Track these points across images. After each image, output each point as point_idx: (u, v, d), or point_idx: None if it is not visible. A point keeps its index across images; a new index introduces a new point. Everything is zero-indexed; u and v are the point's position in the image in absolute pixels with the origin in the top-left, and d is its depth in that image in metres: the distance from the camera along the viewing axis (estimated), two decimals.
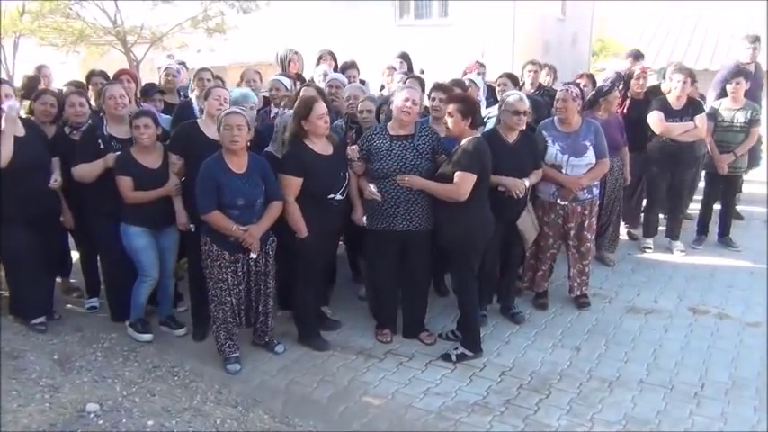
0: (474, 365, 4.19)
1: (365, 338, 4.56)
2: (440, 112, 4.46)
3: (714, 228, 6.46)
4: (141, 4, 14.74)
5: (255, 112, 4.58)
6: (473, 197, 4.02)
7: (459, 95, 4.28)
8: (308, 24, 14.47)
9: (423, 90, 5.29)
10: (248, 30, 15.25)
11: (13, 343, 4.09)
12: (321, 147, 4.17)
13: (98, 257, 5.12)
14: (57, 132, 4.77)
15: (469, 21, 14.14)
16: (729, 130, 6.00)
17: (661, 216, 6.35)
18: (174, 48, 14.94)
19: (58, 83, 6.59)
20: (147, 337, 4.53)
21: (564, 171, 4.72)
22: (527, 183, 4.44)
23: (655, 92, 6.13)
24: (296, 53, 6.77)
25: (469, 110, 4.04)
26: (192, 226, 4.28)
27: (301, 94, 4.56)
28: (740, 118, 5.96)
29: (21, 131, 4.34)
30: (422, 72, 7.29)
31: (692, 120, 5.70)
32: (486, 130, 4.65)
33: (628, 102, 5.98)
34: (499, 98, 4.90)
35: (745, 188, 7.53)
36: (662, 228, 6.36)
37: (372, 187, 4.24)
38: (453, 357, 4.24)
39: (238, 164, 3.92)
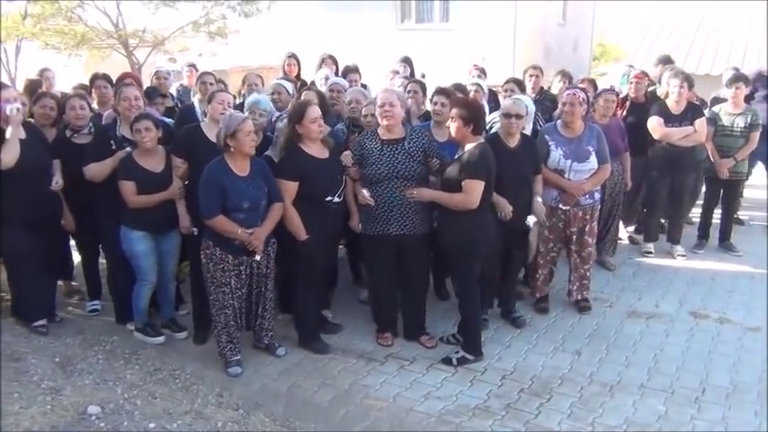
0: (475, 369, 4.19)
1: (366, 342, 4.57)
2: (441, 117, 4.47)
3: (715, 232, 6.46)
4: (143, 7, 14.78)
5: (266, 120, 4.56)
6: None
7: (463, 101, 4.27)
8: (309, 28, 14.53)
9: (424, 94, 5.32)
10: (250, 34, 15.30)
11: (14, 345, 4.09)
12: (317, 150, 4.19)
13: (99, 260, 5.14)
14: (58, 135, 4.78)
15: (470, 25, 14.19)
16: (730, 134, 6.02)
17: (662, 221, 6.36)
18: (176, 51, 14.98)
19: (60, 86, 6.61)
20: (160, 339, 4.56)
21: (567, 176, 4.72)
22: (531, 221, 4.47)
23: (657, 97, 6.13)
24: (293, 56, 6.82)
25: (472, 116, 4.02)
26: (194, 229, 4.29)
27: (302, 97, 4.58)
28: (740, 123, 5.98)
29: (22, 134, 4.36)
30: (423, 76, 7.33)
31: (691, 124, 5.71)
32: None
33: (627, 106, 5.99)
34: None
35: (747, 193, 7.54)
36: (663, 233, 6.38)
37: (365, 192, 4.25)
38: (454, 361, 4.24)
39: (242, 167, 3.93)
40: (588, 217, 4.84)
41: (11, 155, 4.19)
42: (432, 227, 4.37)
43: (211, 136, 4.20)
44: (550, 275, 5.10)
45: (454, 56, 12.49)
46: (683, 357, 4.35)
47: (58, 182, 4.53)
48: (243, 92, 5.89)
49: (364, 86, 6.18)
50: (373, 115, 4.69)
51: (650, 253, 6.22)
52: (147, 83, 6.90)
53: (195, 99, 5.43)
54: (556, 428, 3.60)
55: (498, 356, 4.36)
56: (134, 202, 4.24)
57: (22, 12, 14.18)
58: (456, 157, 4.13)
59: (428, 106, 4.91)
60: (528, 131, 4.70)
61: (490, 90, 5.98)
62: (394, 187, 4.20)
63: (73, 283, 5.46)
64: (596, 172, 4.76)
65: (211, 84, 5.35)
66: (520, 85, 5.72)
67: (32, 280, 4.52)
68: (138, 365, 4.16)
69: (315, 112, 4.12)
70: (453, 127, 4.06)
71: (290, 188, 4.10)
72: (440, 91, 4.69)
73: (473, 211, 4.02)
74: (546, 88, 6.42)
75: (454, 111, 4.06)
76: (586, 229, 4.86)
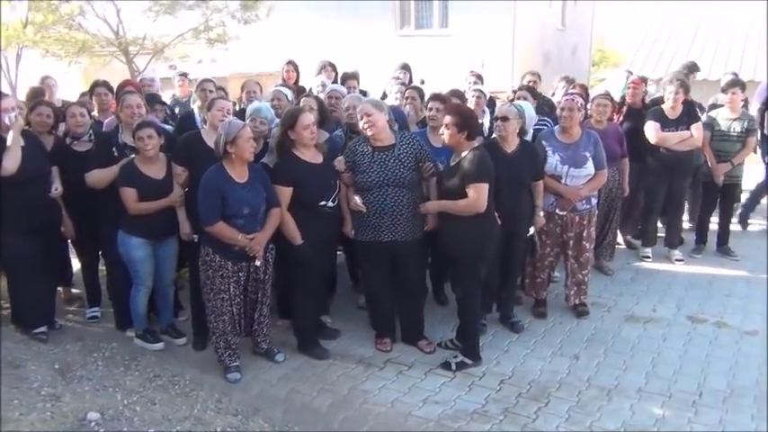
0: (473, 374, 4.21)
1: (365, 347, 4.59)
2: (436, 122, 4.50)
3: (713, 237, 6.48)
4: (143, 15, 14.82)
5: (266, 128, 4.57)
6: None
7: (455, 107, 4.28)
8: (309, 35, 14.58)
9: (422, 100, 5.35)
10: (249, 40, 15.32)
11: (14, 352, 4.12)
12: (310, 156, 4.22)
13: (98, 267, 5.16)
14: (57, 142, 4.81)
15: (469, 31, 14.24)
16: (726, 139, 6.05)
17: (660, 225, 6.38)
18: (176, 58, 15.01)
19: (61, 94, 6.63)
20: (160, 345, 4.58)
21: (563, 181, 4.75)
22: (531, 230, 4.62)
23: (658, 102, 6.13)
24: (291, 63, 6.87)
25: (465, 122, 4.03)
26: (194, 236, 4.31)
27: (301, 103, 4.61)
28: (737, 127, 6.01)
29: (21, 142, 4.39)
30: (422, 82, 7.36)
31: (687, 129, 5.74)
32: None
33: (624, 111, 6.02)
34: None
35: (744, 198, 7.55)
36: (661, 235, 6.39)
37: (357, 199, 4.27)
38: (453, 366, 4.26)
39: (240, 173, 3.96)
40: (585, 222, 4.86)
41: (13, 161, 4.23)
42: (425, 233, 4.39)
43: (211, 143, 4.21)
44: (548, 280, 5.12)
45: (454, 61, 12.53)
46: (681, 361, 4.36)
47: (57, 188, 4.56)
48: (242, 99, 5.92)
49: (364, 93, 6.21)
50: None
51: (648, 258, 6.24)
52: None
53: (195, 106, 5.45)
54: None
55: (497, 361, 4.38)
56: (135, 208, 4.25)
57: (23, 20, 14.22)
58: (452, 164, 4.15)
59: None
60: (528, 137, 4.72)
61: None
62: (385, 194, 4.22)
63: (73, 290, 5.49)
64: (593, 178, 4.78)
65: (211, 91, 5.35)
66: (533, 92, 5.67)
67: (32, 287, 4.54)
68: (137, 372, 4.18)
69: (307, 118, 4.15)
70: (447, 134, 4.07)
71: (285, 193, 4.14)
72: (435, 97, 4.73)
73: (480, 215, 4.03)
74: (552, 94, 6.46)
75: (447, 118, 4.07)
76: (584, 234, 4.88)
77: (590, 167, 4.74)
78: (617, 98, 6.02)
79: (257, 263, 4.01)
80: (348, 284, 5.48)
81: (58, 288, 5.22)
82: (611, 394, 3.98)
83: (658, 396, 3.95)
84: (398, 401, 3.93)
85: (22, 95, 6.57)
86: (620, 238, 6.44)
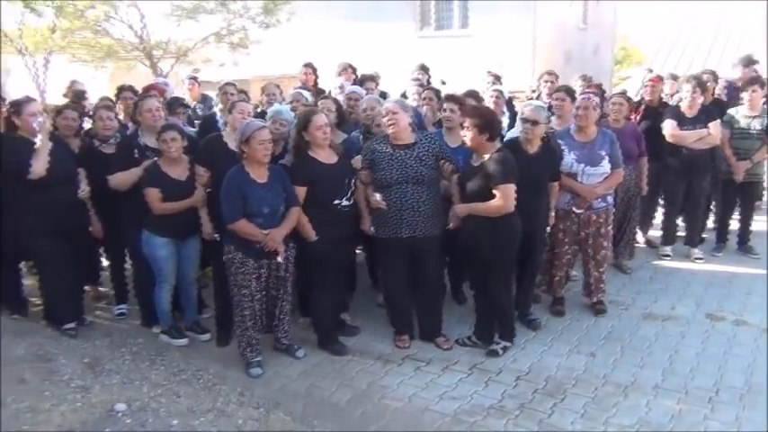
0: (490, 370, 4.26)
1: (384, 344, 4.66)
2: (452, 123, 4.56)
3: (734, 235, 6.44)
4: (167, 20, 15.07)
5: (287, 130, 4.65)
6: None
7: (475, 109, 4.33)
8: (330, 38, 14.69)
9: (439, 101, 5.41)
10: (270, 44, 15.50)
11: (46, 347, 4.25)
12: (325, 156, 4.31)
13: (124, 266, 5.30)
14: (85, 144, 4.96)
15: (489, 32, 14.24)
16: (747, 137, 6.00)
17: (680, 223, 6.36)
18: (199, 62, 15.24)
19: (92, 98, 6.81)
20: (184, 341, 4.70)
21: (579, 179, 4.78)
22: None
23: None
24: (309, 66, 6.99)
25: (486, 123, 4.08)
26: (216, 235, 4.43)
27: (319, 105, 4.71)
28: (757, 125, 5.97)
29: (48, 145, 4.53)
30: (443, 83, 7.42)
31: (705, 127, 5.72)
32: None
33: (642, 110, 6.02)
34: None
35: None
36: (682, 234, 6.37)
37: (378, 196, 4.35)
38: (500, 352, 4.38)
39: (260, 174, 4.07)
40: (602, 220, 4.89)
41: (42, 164, 4.37)
42: (444, 230, 4.45)
43: (232, 145, 4.33)
44: (566, 278, 5.15)
45: (474, 62, 12.54)
46: (698, 359, 4.36)
47: (84, 190, 4.69)
48: (263, 101, 6.04)
49: (384, 94, 6.29)
50: None
51: (668, 256, 6.22)
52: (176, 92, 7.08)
53: (217, 109, 5.58)
54: (569, 428, 3.65)
55: (513, 358, 4.42)
56: (159, 208, 4.38)
57: (50, 26, 14.55)
58: (474, 164, 4.20)
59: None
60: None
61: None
62: (405, 191, 4.30)
63: (100, 289, 5.64)
64: (609, 176, 4.81)
65: (233, 94, 5.48)
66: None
67: (63, 285, 4.68)
68: (162, 366, 4.29)
69: (320, 119, 4.25)
70: (468, 136, 4.12)
71: (300, 193, 4.25)
72: (450, 98, 4.79)
73: (510, 214, 4.10)
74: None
75: (468, 120, 4.12)
76: (601, 231, 4.91)
77: (606, 166, 4.77)
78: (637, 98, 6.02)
79: (279, 259, 4.12)
80: (367, 283, 5.55)
81: (86, 287, 5.36)
82: (628, 391, 4.00)
83: (675, 393, 3.96)
84: (416, 396, 4.00)
85: (51, 100, 6.75)
86: (639, 237, 6.43)
